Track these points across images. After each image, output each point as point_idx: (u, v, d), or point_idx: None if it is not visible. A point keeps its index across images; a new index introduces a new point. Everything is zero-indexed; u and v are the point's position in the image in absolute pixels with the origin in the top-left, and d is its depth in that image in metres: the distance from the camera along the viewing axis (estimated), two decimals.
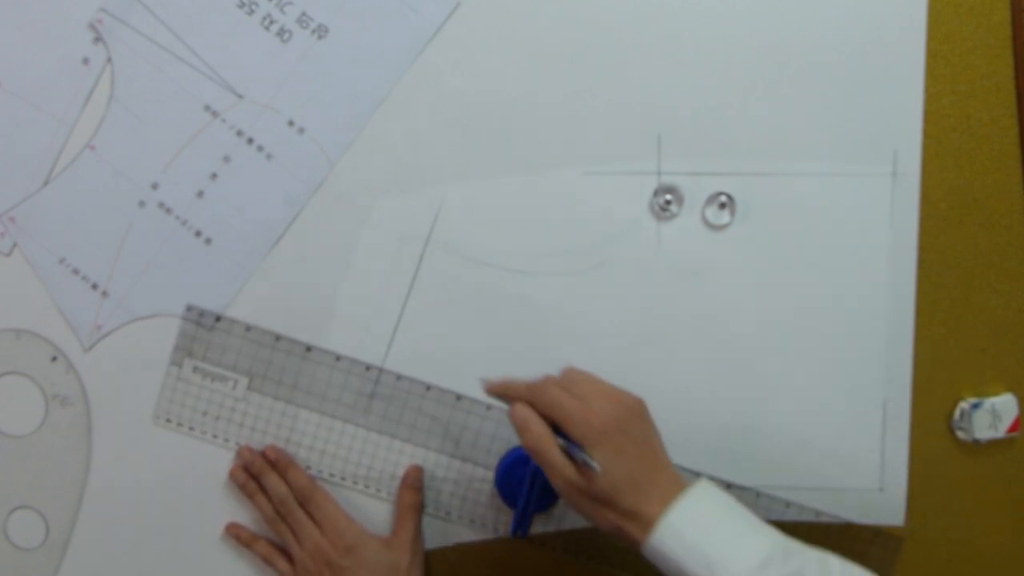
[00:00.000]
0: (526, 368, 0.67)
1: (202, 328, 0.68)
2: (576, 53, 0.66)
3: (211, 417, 0.68)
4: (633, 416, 0.57)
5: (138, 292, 0.68)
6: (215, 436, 0.69)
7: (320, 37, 0.66)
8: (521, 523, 0.66)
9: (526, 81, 0.66)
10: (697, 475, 0.64)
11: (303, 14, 0.66)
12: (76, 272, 0.68)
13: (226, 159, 0.67)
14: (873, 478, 0.67)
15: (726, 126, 0.66)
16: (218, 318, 0.68)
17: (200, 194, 0.67)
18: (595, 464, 0.54)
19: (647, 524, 0.53)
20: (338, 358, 0.68)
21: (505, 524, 0.69)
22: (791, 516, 0.68)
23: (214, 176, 0.67)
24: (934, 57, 0.65)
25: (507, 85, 0.66)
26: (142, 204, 0.67)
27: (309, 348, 0.68)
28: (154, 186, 0.67)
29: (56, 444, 0.69)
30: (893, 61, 0.65)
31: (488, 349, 0.68)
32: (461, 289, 0.67)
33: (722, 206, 0.66)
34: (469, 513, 0.69)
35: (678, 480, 0.56)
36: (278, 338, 0.68)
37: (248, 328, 0.68)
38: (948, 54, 0.65)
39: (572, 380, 0.58)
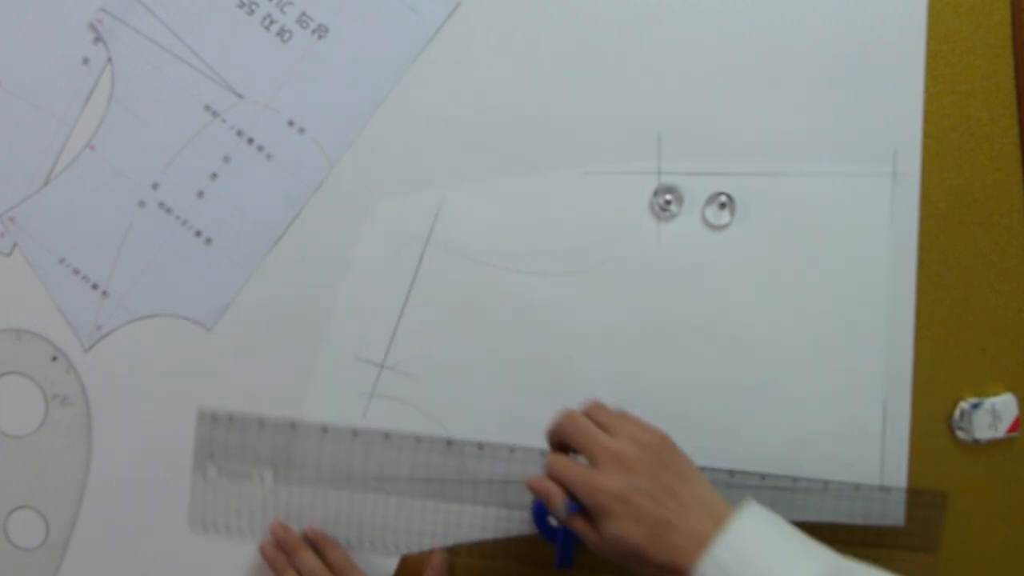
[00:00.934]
0: (525, 367, 0.67)
1: (217, 429, 0.68)
2: (576, 53, 0.66)
3: (244, 515, 0.68)
4: (649, 467, 0.54)
5: (138, 292, 0.68)
6: (253, 532, 0.69)
7: (320, 37, 0.66)
8: (564, 556, 0.65)
9: (526, 81, 0.66)
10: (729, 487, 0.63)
11: (303, 14, 0.66)
12: (76, 272, 0.68)
13: (226, 159, 0.67)
14: (873, 478, 0.67)
15: (726, 126, 0.66)
16: (231, 417, 0.68)
17: (200, 194, 0.67)
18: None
19: (684, 570, 0.51)
20: (355, 433, 0.68)
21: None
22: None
23: (214, 176, 0.67)
24: (934, 57, 0.65)
25: (507, 85, 0.66)
26: (142, 204, 0.67)
27: (325, 429, 0.67)
28: (154, 186, 0.67)
29: (56, 444, 0.69)
30: (893, 61, 0.65)
31: (488, 349, 0.67)
32: (461, 289, 0.67)
33: (722, 206, 0.66)
34: (514, 551, 0.68)
35: (717, 513, 0.53)
36: (294, 426, 0.68)
37: (262, 422, 0.68)
38: (948, 54, 0.65)
39: (583, 434, 0.56)
